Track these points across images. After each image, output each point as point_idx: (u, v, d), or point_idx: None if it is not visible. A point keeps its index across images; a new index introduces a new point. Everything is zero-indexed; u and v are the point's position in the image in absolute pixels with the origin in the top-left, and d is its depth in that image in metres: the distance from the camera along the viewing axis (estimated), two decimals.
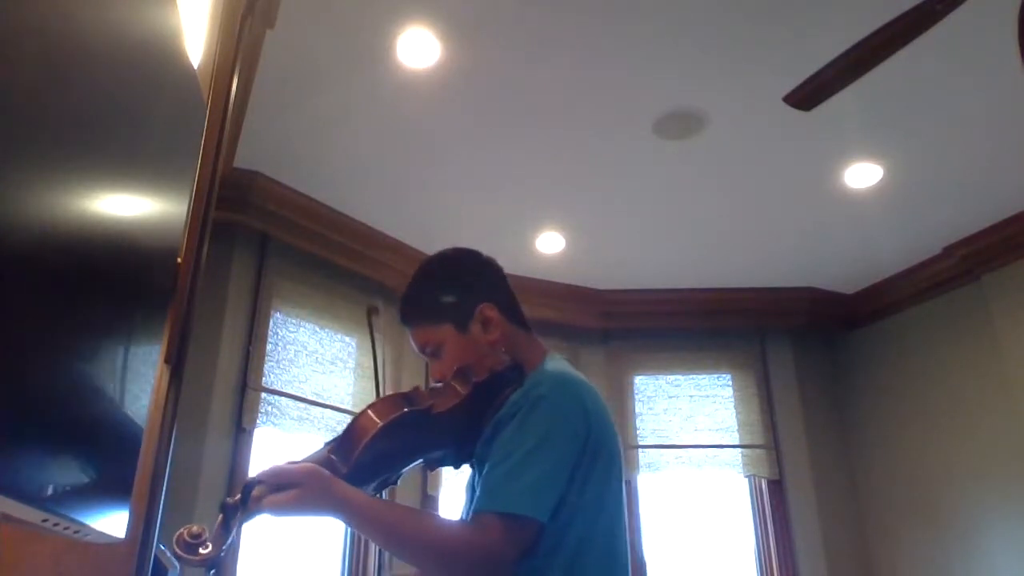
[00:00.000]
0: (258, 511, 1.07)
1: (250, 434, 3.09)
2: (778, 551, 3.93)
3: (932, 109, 2.80)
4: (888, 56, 1.98)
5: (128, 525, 1.01)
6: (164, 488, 1.26)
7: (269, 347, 3.24)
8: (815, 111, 2.22)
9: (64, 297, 0.74)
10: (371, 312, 1.50)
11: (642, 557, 3.95)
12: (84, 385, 0.83)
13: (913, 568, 3.80)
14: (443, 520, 1.27)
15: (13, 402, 0.63)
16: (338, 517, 1.10)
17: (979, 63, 2.55)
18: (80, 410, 0.82)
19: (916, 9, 1.84)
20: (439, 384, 1.29)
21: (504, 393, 1.23)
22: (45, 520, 0.72)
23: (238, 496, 1.05)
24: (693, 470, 4.06)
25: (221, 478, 2.95)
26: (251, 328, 3.21)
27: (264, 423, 3.11)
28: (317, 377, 3.37)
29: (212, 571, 1.05)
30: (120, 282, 0.94)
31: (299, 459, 1.18)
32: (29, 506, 0.67)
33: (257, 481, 1.08)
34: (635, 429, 4.14)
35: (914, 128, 2.91)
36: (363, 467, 1.16)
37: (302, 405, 3.27)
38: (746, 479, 4.10)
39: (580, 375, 1.28)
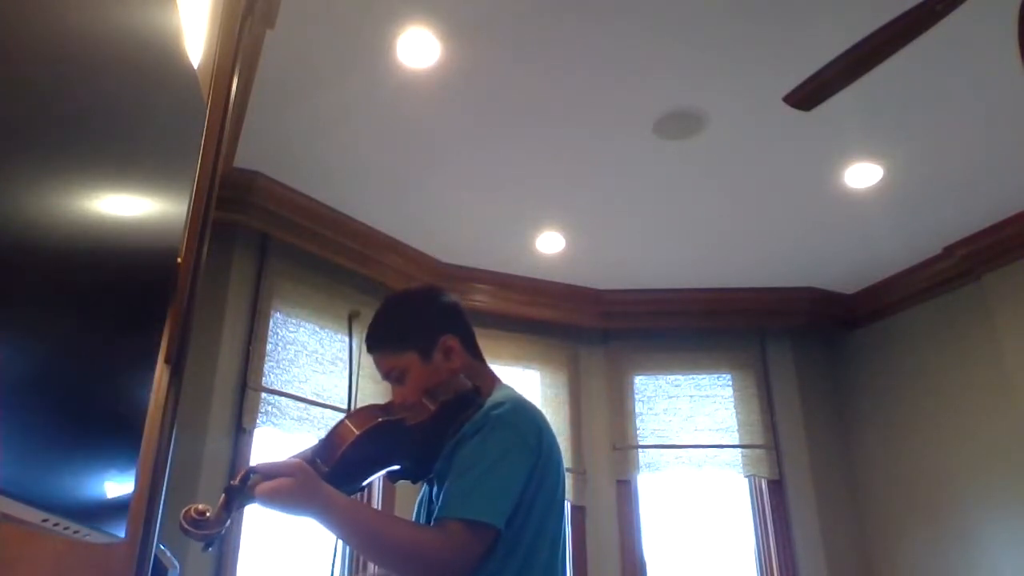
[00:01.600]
0: (253, 498, 1.15)
1: (250, 434, 3.09)
2: (778, 551, 3.92)
3: (932, 109, 2.80)
4: (888, 56, 1.98)
5: (128, 525, 1.01)
6: (164, 488, 1.26)
7: (269, 347, 3.24)
8: (815, 111, 2.22)
9: (64, 297, 0.74)
10: (352, 316, 1.62)
11: (642, 557, 3.95)
12: (84, 384, 0.83)
13: (913, 568, 3.80)
14: (413, 525, 1.38)
15: (13, 402, 0.63)
16: (318, 517, 1.17)
17: (979, 63, 2.55)
18: (80, 410, 0.82)
19: (916, 9, 1.84)
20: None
21: (466, 413, 1.35)
22: (45, 520, 0.72)
23: (238, 481, 1.15)
24: (693, 470, 4.06)
25: (221, 478, 2.95)
26: (251, 328, 3.21)
27: (264, 423, 3.11)
28: (317, 377, 3.37)
29: (210, 547, 1.15)
30: (120, 282, 0.94)
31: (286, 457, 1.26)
32: (29, 506, 0.67)
33: (255, 470, 1.17)
34: (635, 429, 4.14)
35: (914, 128, 2.91)
36: (340, 472, 1.26)
37: (302, 405, 3.27)
38: (746, 479, 4.10)
39: (530, 401, 1.42)
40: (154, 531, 1.23)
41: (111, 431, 0.96)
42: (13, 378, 0.63)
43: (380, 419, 1.31)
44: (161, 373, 1.27)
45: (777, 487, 4.05)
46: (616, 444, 4.11)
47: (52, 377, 0.73)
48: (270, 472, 1.16)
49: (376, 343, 1.45)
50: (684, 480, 4.11)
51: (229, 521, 1.15)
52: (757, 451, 4.09)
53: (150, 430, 1.21)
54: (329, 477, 1.23)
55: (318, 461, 1.25)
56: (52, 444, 0.74)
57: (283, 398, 3.21)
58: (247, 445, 3.08)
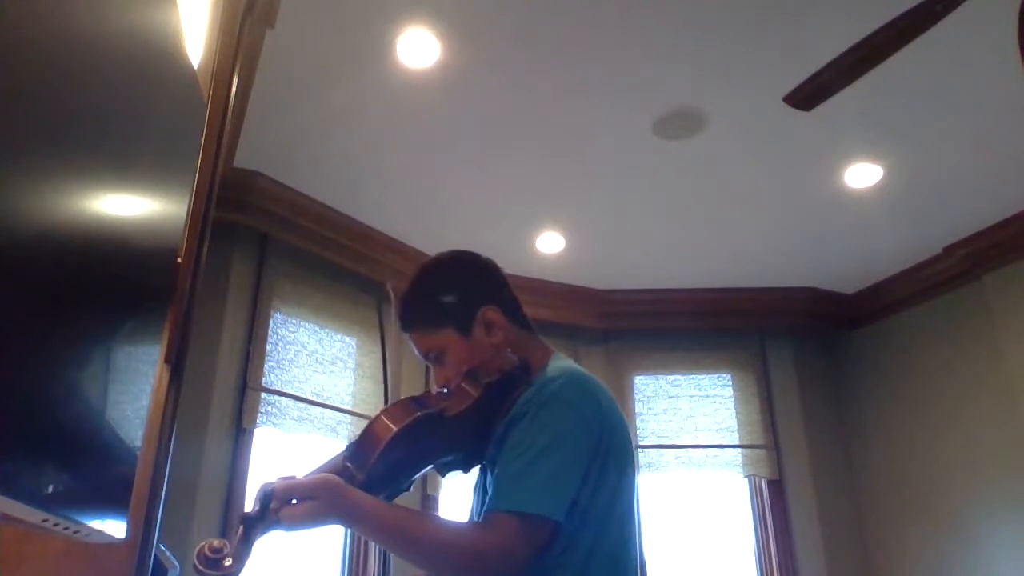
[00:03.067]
0: (275, 525, 1.05)
1: (250, 434, 3.09)
2: (778, 551, 3.93)
3: (932, 109, 2.80)
4: (888, 56, 1.98)
5: (128, 525, 1.01)
6: (164, 488, 1.26)
7: (269, 347, 3.24)
8: (815, 111, 2.22)
9: (64, 297, 0.74)
10: (387, 293, 1.47)
11: (642, 557, 3.95)
12: (84, 385, 0.83)
13: (913, 568, 3.80)
14: (455, 523, 1.24)
15: (13, 402, 0.63)
16: (351, 526, 1.09)
17: (979, 63, 2.55)
18: (80, 410, 0.82)
19: (916, 9, 1.84)
20: (444, 389, 1.28)
21: (515, 393, 1.22)
22: (45, 520, 0.72)
23: (257, 508, 1.04)
24: (693, 470, 4.06)
25: (221, 478, 2.95)
26: (251, 328, 3.21)
27: (264, 423, 3.11)
28: (317, 377, 3.37)
29: None
30: (120, 282, 0.94)
31: (315, 468, 1.17)
32: (29, 506, 0.67)
33: (272, 493, 1.05)
34: (635, 429, 4.14)
35: (914, 128, 2.91)
36: (379, 474, 1.15)
37: (302, 405, 3.27)
38: (746, 479, 4.10)
39: (592, 376, 1.26)
40: (154, 531, 1.23)
41: (111, 431, 0.96)
42: (13, 378, 0.63)
43: (418, 414, 1.19)
44: (161, 373, 1.27)
45: (777, 487, 4.05)
46: None
47: (51, 377, 0.73)
48: (291, 493, 1.05)
49: (409, 322, 1.32)
50: (684, 480, 4.10)
51: (250, 555, 1.03)
52: (757, 451, 4.09)
53: (150, 430, 1.21)
54: (367, 482, 1.13)
55: (351, 466, 1.15)
56: (52, 444, 0.74)
57: (283, 398, 3.21)
58: (247, 445, 3.08)
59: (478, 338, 1.29)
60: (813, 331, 4.35)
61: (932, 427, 3.82)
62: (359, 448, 1.17)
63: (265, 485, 1.06)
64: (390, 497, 1.20)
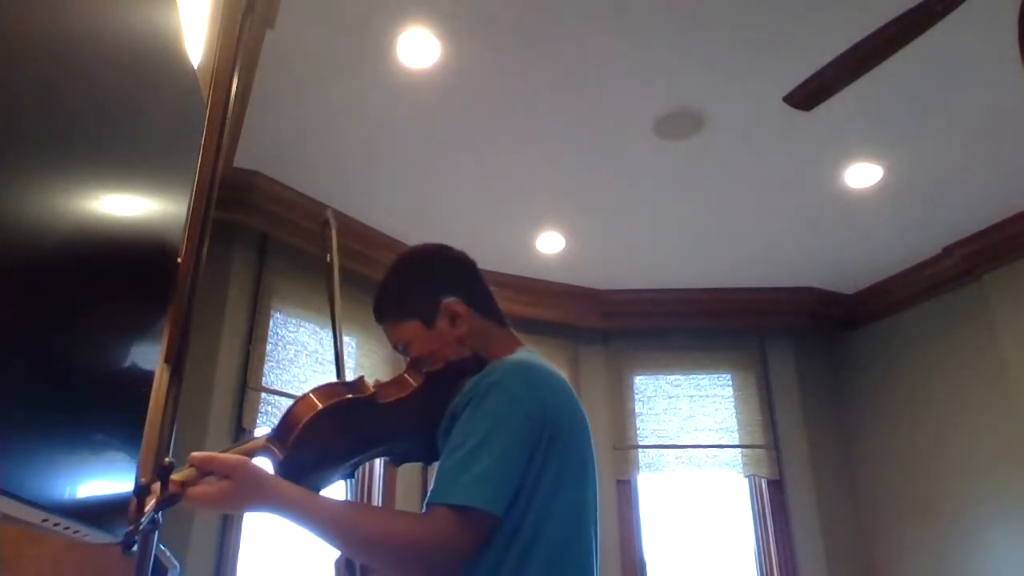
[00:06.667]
0: (179, 499, 0.99)
1: (250, 434, 3.09)
2: (778, 551, 3.92)
3: (932, 109, 2.80)
4: (888, 56, 1.98)
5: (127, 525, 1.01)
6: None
7: (269, 347, 3.24)
8: (815, 111, 2.22)
9: (64, 297, 0.74)
10: (324, 225, 1.36)
11: (642, 557, 3.95)
12: (84, 385, 0.83)
13: (913, 568, 3.79)
14: (392, 514, 1.22)
15: (13, 402, 0.63)
16: (276, 513, 1.04)
17: (979, 63, 2.55)
18: (80, 410, 0.82)
19: (916, 9, 1.84)
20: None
21: (460, 383, 1.18)
22: (45, 520, 0.72)
23: (154, 480, 0.96)
24: (693, 470, 4.06)
25: None
26: (251, 328, 3.21)
27: (264, 423, 3.11)
28: (317, 377, 3.37)
29: (131, 548, 0.99)
30: (120, 282, 0.93)
31: (237, 446, 1.13)
32: (29, 506, 0.67)
33: (172, 466, 0.99)
34: (635, 429, 4.14)
35: (914, 128, 2.91)
36: (301, 455, 1.10)
37: None
38: (746, 479, 4.10)
39: (544, 364, 1.24)
40: (154, 531, 1.23)
41: (111, 431, 0.95)
42: (14, 379, 0.63)
43: (346, 396, 1.14)
44: (161, 373, 1.27)
45: (777, 487, 4.05)
46: (616, 444, 4.11)
47: (52, 378, 0.73)
48: (206, 467, 1.01)
49: (379, 313, 1.34)
50: (684, 480, 4.10)
51: (146, 523, 0.96)
52: (757, 451, 4.09)
53: (150, 430, 1.21)
54: (288, 460, 1.08)
55: (272, 445, 1.09)
56: (52, 445, 0.74)
57: (283, 398, 3.21)
58: None
59: (441, 329, 1.27)
60: (813, 331, 4.35)
61: (932, 427, 3.82)
62: (281, 426, 1.12)
63: (170, 460, 1.00)
64: (326, 483, 1.17)
